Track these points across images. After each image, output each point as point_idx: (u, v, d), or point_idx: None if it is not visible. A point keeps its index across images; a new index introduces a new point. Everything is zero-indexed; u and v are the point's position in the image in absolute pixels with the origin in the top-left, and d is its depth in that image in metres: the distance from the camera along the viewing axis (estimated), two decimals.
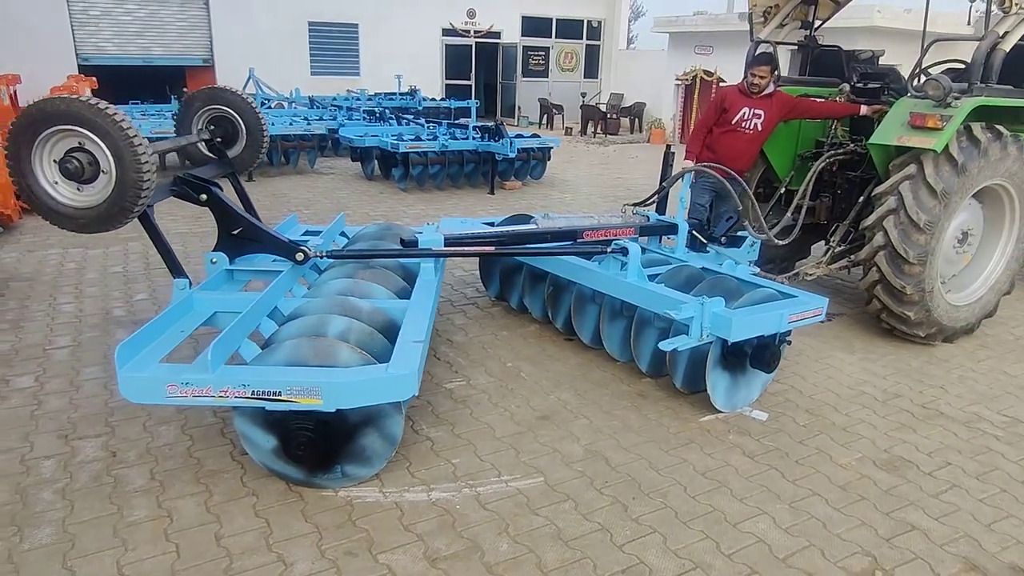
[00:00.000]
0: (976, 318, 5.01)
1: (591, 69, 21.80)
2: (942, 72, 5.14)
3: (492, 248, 4.03)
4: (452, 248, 3.93)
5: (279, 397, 2.67)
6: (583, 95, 19.92)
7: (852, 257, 4.98)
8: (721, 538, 2.81)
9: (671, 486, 3.16)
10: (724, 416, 3.81)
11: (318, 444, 2.88)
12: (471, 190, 10.27)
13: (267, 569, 2.55)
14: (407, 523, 2.82)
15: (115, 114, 3.05)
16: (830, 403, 4.03)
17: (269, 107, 13.86)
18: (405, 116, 11.98)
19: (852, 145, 5.27)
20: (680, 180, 4.95)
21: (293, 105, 14.71)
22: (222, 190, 3.84)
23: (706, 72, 15.61)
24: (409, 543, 2.71)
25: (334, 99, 15.16)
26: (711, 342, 3.62)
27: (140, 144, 3.07)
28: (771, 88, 5.28)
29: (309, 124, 10.75)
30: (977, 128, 4.48)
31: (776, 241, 4.95)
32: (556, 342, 4.76)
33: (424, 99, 15.83)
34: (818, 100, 5.52)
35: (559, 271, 4.43)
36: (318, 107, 13.94)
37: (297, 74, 16.72)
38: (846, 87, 5.39)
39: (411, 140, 9.60)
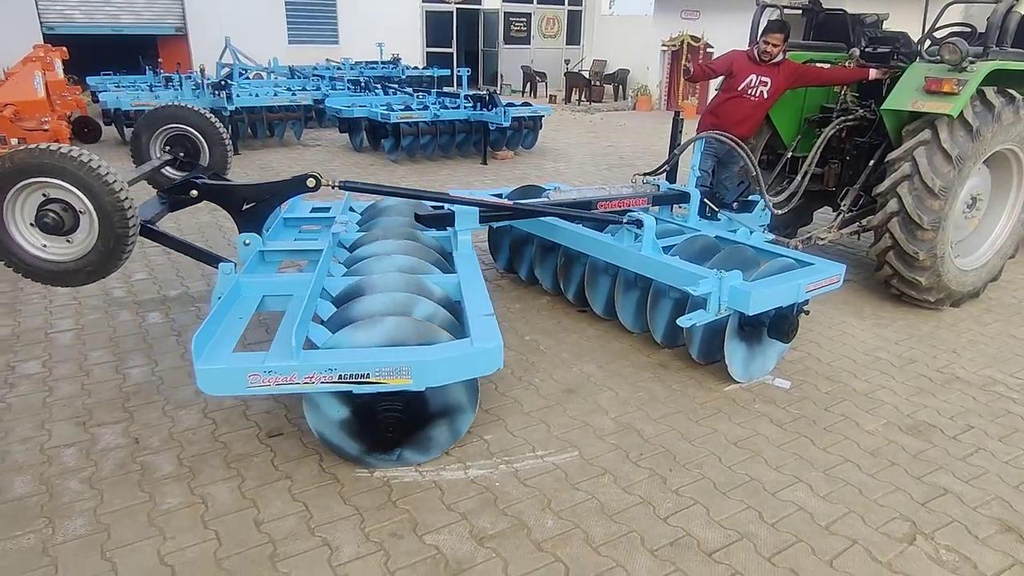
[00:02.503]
0: (983, 282, 5.07)
1: (573, 35, 21.49)
2: (948, 36, 5.11)
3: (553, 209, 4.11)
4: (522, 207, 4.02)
5: (367, 380, 2.59)
6: (567, 62, 19.65)
7: (863, 222, 4.99)
8: (762, 507, 2.82)
9: (706, 457, 3.16)
10: (747, 385, 3.82)
11: (396, 426, 2.83)
12: (462, 160, 10.11)
13: (313, 554, 2.50)
14: (448, 502, 2.79)
15: (82, 156, 2.86)
16: (848, 370, 4.06)
17: (247, 77, 13.44)
18: (391, 86, 11.70)
19: (861, 111, 5.24)
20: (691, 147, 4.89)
21: (271, 75, 14.30)
22: (203, 176, 3.71)
23: (693, 38, 15.45)
24: (453, 522, 2.68)
25: (314, 68, 14.77)
26: (728, 315, 3.61)
27: (116, 182, 2.90)
28: (780, 56, 5.21)
29: (294, 95, 10.44)
30: (990, 92, 4.46)
31: (776, 211, 4.93)
32: (570, 314, 4.72)
33: (406, 68, 15.50)
34: (825, 66, 5.46)
35: (573, 244, 4.37)
36: (299, 77, 13.56)
37: (274, 43, 16.23)
38: (855, 52, 5.34)
39: (401, 110, 9.39)
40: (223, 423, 3.30)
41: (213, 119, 4.18)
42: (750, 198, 4.85)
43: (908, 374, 4.03)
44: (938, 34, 5.27)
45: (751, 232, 4.34)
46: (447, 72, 16.43)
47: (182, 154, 4.17)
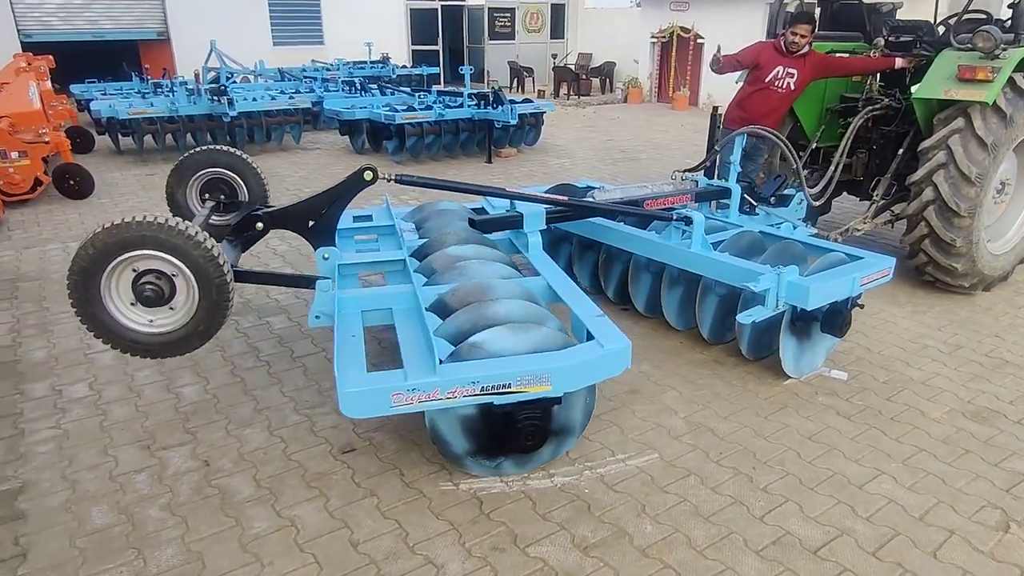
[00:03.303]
0: (1012, 265, 5.15)
1: (557, 29, 21.43)
2: (973, 23, 5.15)
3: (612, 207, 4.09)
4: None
5: (508, 389, 2.54)
6: (554, 56, 19.61)
7: (894, 210, 5.03)
8: (853, 501, 2.82)
9: (784, 452, 3.16)
10: (806, 379, 3.83)
11: (536, 433, 2.77)
12: (467, 160, 10.03)
13: (419, 573, 2.45)
14: (542, 512, 2.75)
15: (158, 220, 2.71)
16: (900, 358, 4.09)
17: (235, 81, 13.21)
18: (388, 86, 11.57)
19: (887, 100, 5.28)
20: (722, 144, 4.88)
21: (259, 78, 14.07)
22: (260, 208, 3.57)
23: (683, 29, 15.49)
24: (552, 533, 2.64)
25: (303, 70, 14.57)
26: (783, 311, 3.61)
27: (198, 234, 2.76)
28: (807, 48, 5.23)
29: (291, 98, 10.27)
30: (1020, 79, 4.52)
31: (813, 203, 4.95)
32: (612, 311, 4.68)
33: (396, 67, 15.35)
34: (849, 56, 5.49)
35: (618, 243, 4.34)
36: (289, 79, 13.36)
37: (259, 45, 15.95)
38: (880, 41, 5.37)
39: (404, 111, 9.28)
40: (292, 441, 3.23)
41: (239, 152, 4.00)
42: (785, 191, 4.86)
43: (959, 360, 4.07)
44: (952, 21, 5.31)
45: (794, 227, 4.35)
46: (436, 70, 16.31)
47: (222, 197, 4.00)
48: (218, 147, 4.01)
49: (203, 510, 2.76)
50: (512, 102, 9.37)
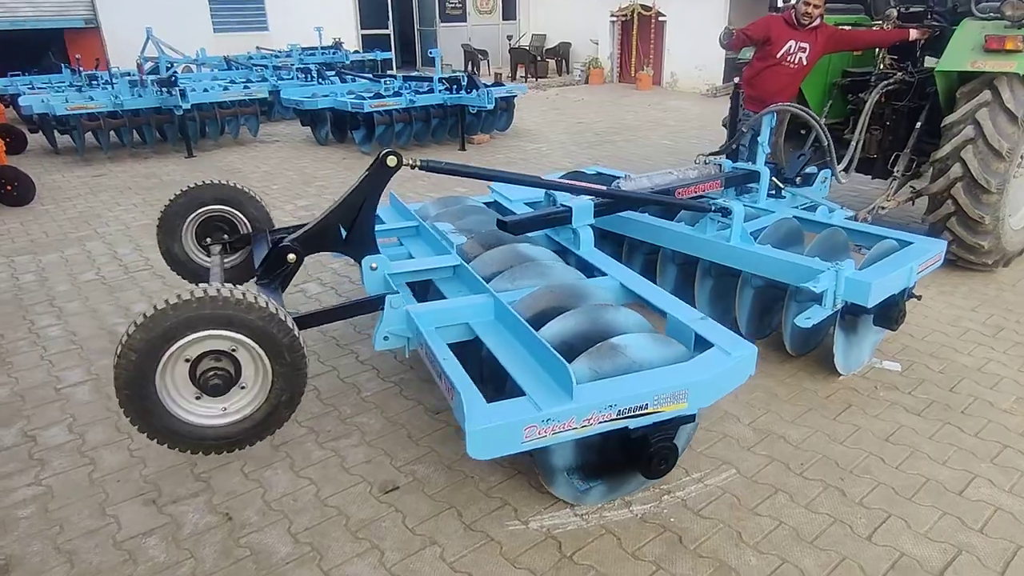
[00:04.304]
0: None
1: (509, 10, 20.92)
2: None
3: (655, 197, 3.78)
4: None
5: (645, 411, 2.23)
6: (509, 38, 19.11)
7: (914, 187, 4.87)
8: (959, 512, 2.60)
9: (866, 459, 2.92)
10: (861, 372, 3.62)
11: (669, 455, 2.45)
12: (438, 148, 9.57)
13: None
14: (630, 549, 2.43)
15: (195, 293, 2.25)
16: (946, 344, 3.92)
17: (176, 72, 12.32)
18: (348, 72, 10.95)
19: (900, 74, 5.11)
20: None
21: (202, 68, 13.20)
22: (284, 238, 3.03)
23: (644, 7, 15.24)
24: (650, 575, 2.33)
25: (250, 57, 13.74)
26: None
27: (247, 294, 2.31)
28: (819, 20, 5.00)
29: (246, 88, 9.56)
30: None
31: (840, 182, 4.76)
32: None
33: (348, 53, 14.65)
34: (860, 28, 5.30)
35: (648, 236, 4.01)
36: (237, 68, 12.55)
37: (198, 33, 14.97)
38: (893, 13, 5.18)
39: (372, 98, 8.74)
40: (323, 482, 2.81)
41: (222, 182, 3.48)
42: (807, 170, 4.64)
43: (1005, 343, 3.93)
44: None
45: (830, 211, 4.12)
46: (389, 55, 15.66)
47: (225, 236, 3.51)
48: (198, 184, 3.45)
49: None
50: (487, 86, 8.93)
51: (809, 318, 3.23)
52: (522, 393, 2.20)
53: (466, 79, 8.93)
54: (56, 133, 9.00)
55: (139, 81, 8.92)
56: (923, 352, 3.84)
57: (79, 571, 2.37)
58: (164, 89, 8.49)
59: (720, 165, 4.40)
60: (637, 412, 2.23)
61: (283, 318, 2.32)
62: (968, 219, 4.51)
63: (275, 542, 2.50)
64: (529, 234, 3.48)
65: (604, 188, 3.52)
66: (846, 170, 4.93)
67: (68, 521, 2.61)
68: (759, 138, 4.19)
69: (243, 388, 2.38)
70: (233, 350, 2.31)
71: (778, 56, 5.06)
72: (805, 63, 5.07)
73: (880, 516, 2.59)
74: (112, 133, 8.87)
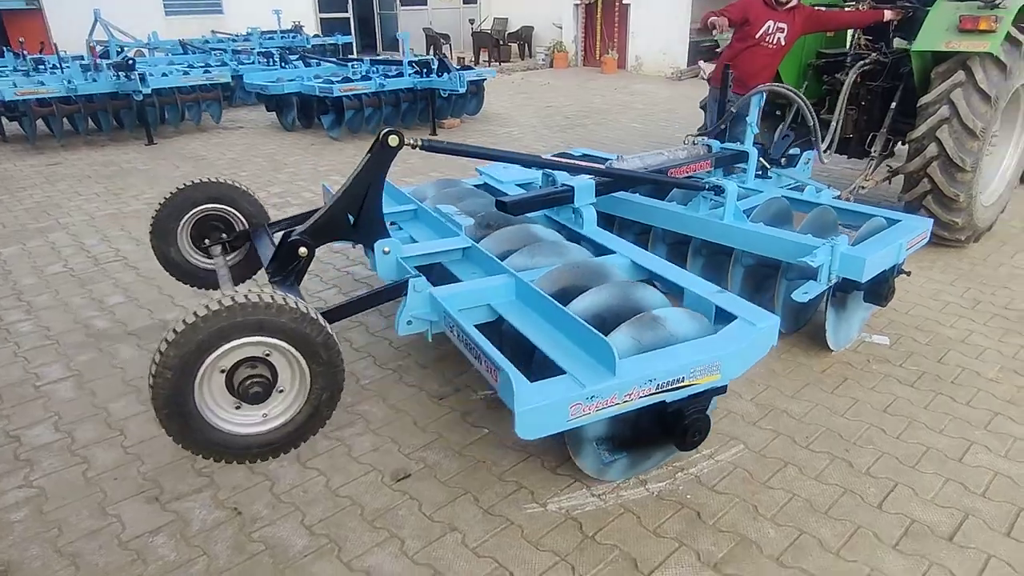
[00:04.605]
0: (996, 215, 5.25)
1: None
2: None
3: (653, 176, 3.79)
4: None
5: (681, 384, 2.25)
6: (471, 22, 18.91)
7: (890, 166, 4.99)
8: (961, 478, 2.69)
9: (868, 430, 2.99)
10: (853, 347, 3.70)
11: (702, 429, 2.49)
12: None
13: None
14: (651, 527, 2.44)
15: (224, 301, 2.16)
16: (929, 317, 4.04)
17: (129, 57, 11.82)
18: (312, 56, 10.68)
19: (875, 54, 5.21)
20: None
21: (155, 52, 12.70)
22: (291, 232, 2.91)
23: None
24: (673, 551, 2.34)
25: (207, 41, 13.28)
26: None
27: (276, 295, 2.23)
28: (795, 1, 5.05)
29: (208, 72, 9.23)
30: (1014, 29, 4.52)
31: (823, 162, 4.84)
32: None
33: (308, 37, 14.28)
34: (836, 9, 5.37)
35: (641, 217, 4.03)
36: (194, 52, 12.11)
37: (149, 15, 14.42)
38: None
39: (341, 82, 8.53)
40: (332, 472, 2.75)
41: (213, 179, 3.33)
42: (791, 151, 4.70)
43: (983, 315, 4.07)
44: None
45: (818, 191, 4.19)
46: (350, 38, 15.33)
47: (224, 236, 3.39)
48: (188, 184, 3.32)
49: (257, 573, 2.27)
50: (457, 69, 8.81)
51: (807, 292, 3.28)
52: (560, 371, 2.18)
53: (437, 62, 8.79)
54: (3, 120, 8.55)
55: (93, 65, 8.52)
56: (908, 325, 3.94)
57: (85, 573, 2.27)
58: (121, 73, 8.13)
59: (709, 146, 4.43)
60: (675, 385, 2.25)
61: (315, 316, 2.26)
62: (944, 197, 4.64)
63: (290, 535, 2.43)
64: (529, 215, 3.45)
65: (604, 167, 3.50)
66: (826, 150, 5.01)
67: (67, 523, 2.49)
68: (747, 119, 4.22)
69: (281, 392, 2.33)
70: (267, 355, 2.26)
71: (757, 37, 5.10)
72: (784, 43, 5.12)
73: (887, 485, 2.65)
74: (65, 120, 8.48)
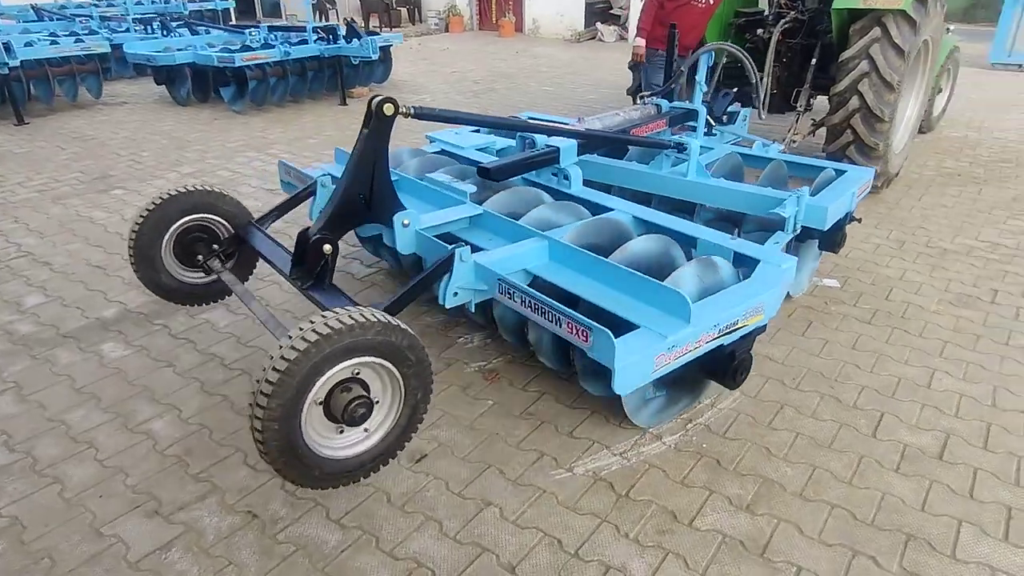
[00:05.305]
0: (903, 162, 5.72)
1: None
2: None
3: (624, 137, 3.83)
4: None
5: (736, 326, 2.40)
6: None
7: (814, 119, 5.29)
8: (935, 402, 2.95)
9: (844, 367, 3.21)
10: (809, 290, 3.94)
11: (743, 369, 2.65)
12: (316, 104, 8.92)
13: None
14: (678, 479, 2.51)
15: (317, 328, 2.03)
16: (867, 259, 4.36)
17: None
18: (199, 24, 9.83)
19: (794, 12, 5.46)
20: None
21: (1, 19, 11.26)
22: (306, 233, 2.69)
23: None
24: (706, 499, 2.42)
25: (63, 7, 11.91)
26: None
27: (361, 312, 2.13)
28: None
29: (81, 42, 8.26)
30: None
31: (762, 117, 5.06)
32: None
33: (184, 1, 13.12)
34: None
35: (603, 178, 4.04)
36: (52, 19, 10.82)
37: None
38: None
39: (240, 51, 7.93)
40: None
41: (185, 187, 3.02)
42: (730, 109, 4.87)
43: (911, 254, 4.44)
44: None
45: (765, 145, 4.37)
46: (229, 4, 14.25)
47: (216, 247, 3.12)
48: (158, 202, 3.00)
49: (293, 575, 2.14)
50: (369, 35, 8.41)
51: (777, 242, 3.44)
52: (631, 326, 2.23)
53: (346, 28, 8.34)
54: None
55: None
56: (852, 268, 4.24)
57: None
58: None
59: (658, 105, 4.50)
60: (731, 328, 2.38)
61: (397, 323, 2.16)
62: (865, 147, 4.99)
63: (319, 532, 2.30)
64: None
65: (583, 129, 3.48)
66: (764, 105, 5.23)
67: (58, 551, 2.23)
68: (697, 76, 4.32)
69: (378, 403, 2.24)
70: (357, 373, 2.15)
71: None
72: (712, 2, 5.26)
73: (875, 416, 2.87)
74: None
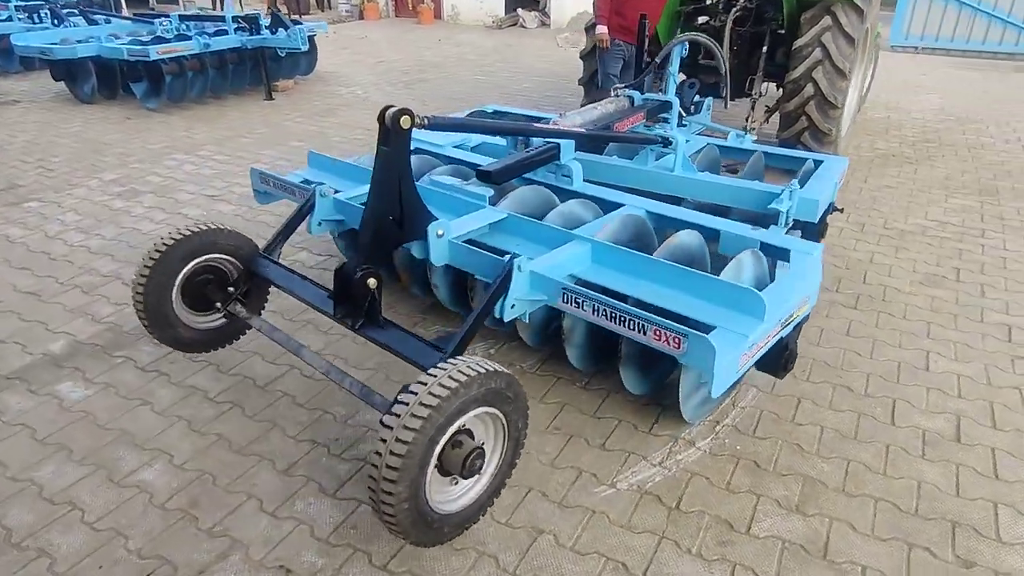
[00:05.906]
0: (847, 145, 5.95)
1: None
2: None
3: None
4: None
5: (791, 318, 2.41)
6: None
7: (767, 106, 5.40)
8: (936, 384, 3.06)
9: (845, 353, 3.28)
10: None
11: (793, 357, 2.63)
12: (239, 99, 8.34)
13: None
14: (720, 484, 2.48)
15: (435, 389, 1.90)
16: (835, 243, 4.47)
17: None
18: (96, 12, 8.96)
19: (743, 1, 5.54)
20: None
21: None
22: (368, 270, 2.40)
23: None
24: (755, 503, 2.39)
25: None
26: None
27: (485, 368, 2.02)
28: None
29: None
30: None
31: (727, 106, 5.10)
32: None
33: None
34: None
35: (587, 174, 3.95)
36: None
37: None
38: None
39: (153, 43, 7.28)
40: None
41: (183, 231, 2.68)
42: (696, 99, 4.88)
43: (873, 236, 4.61)
44: None
45: (739, 136, 4.40)
46: None
47: (231, 289, 2.83)
48: (156, 256, 2.65)
49: None
50: (294, 24, 7.93)
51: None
52: (705, 327, 2.19)
53: (270, 17, 7.82)
54: None
55: None
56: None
57: None
58: None
59: (631, 97, 4.44)
60: (788, 320, 2.40)
61: (496, 368, 2.01)
62: (819, 132, 5.15)
63: (360, 572, 2.11)
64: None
65: (582, 131, 3.36)
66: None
67: None
68: (670, 68, 4.29)
69: (484, 445, 2.11)
70: (463, 426, 2.01)
71: None
72: None
73: (888, 403, 2.94)
74: None
